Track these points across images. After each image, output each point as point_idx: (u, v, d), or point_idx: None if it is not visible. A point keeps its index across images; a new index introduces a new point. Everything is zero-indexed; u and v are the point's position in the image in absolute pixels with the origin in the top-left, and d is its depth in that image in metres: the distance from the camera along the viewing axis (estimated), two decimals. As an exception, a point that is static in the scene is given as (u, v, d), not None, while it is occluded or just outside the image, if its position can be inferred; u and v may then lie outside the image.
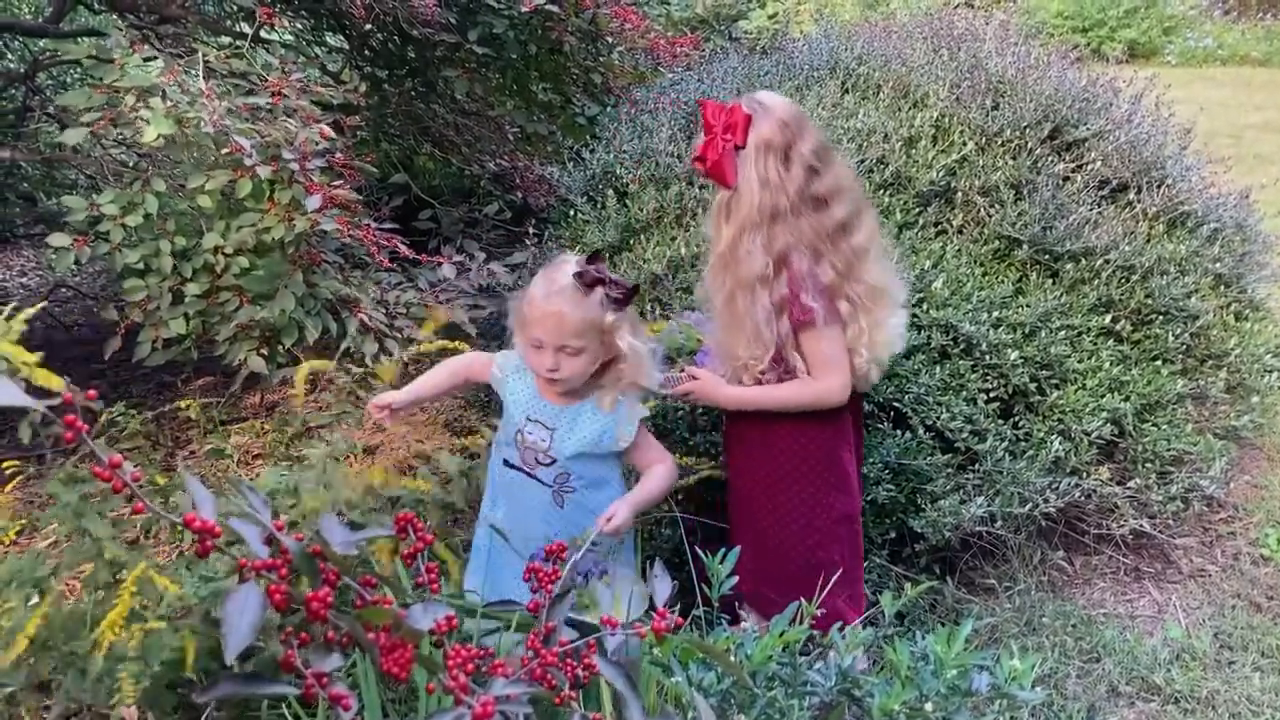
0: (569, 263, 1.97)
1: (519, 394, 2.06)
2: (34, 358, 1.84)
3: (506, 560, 2.08)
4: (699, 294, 2.31)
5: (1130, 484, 2.81)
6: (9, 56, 5.01)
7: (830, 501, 2.13)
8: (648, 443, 2.10)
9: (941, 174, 3.07)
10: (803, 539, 2.13)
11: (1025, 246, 2.96)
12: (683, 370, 2.14)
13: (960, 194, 3.05)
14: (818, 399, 2.05)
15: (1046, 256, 2.99)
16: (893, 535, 2.64)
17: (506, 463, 2.06)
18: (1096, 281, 2.94)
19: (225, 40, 3.73)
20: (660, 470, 2.07)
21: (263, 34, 3.41)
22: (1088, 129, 3.24)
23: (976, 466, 2.68)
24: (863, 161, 3.12)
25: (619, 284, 1.94)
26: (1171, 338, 2.94)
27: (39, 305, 2.27)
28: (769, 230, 1.98)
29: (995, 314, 2.77)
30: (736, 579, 1.60)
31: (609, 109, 4.19)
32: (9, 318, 1.90)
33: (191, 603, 1.87)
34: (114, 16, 3.81)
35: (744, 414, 2.15)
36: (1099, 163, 3.16)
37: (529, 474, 2.03)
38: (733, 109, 1.98)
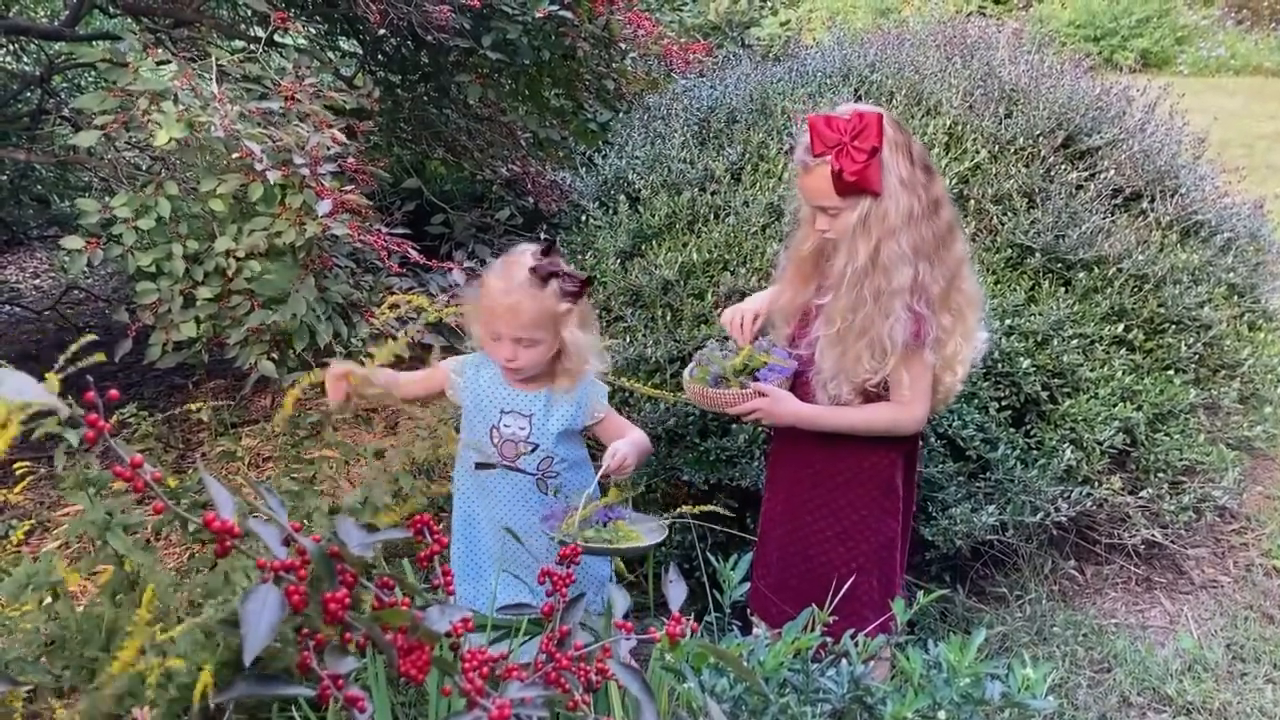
0: (526, 254, 1.97)
1: (488, 388, 2.06)
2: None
3: (481, 562, 2.09)
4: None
5: (1142, 494, 2.79)
6: (25, 59, 5.04)
7: (880, 527, 2.06)
8: (617, 417, 2.15)
9: (954, 182, 3.06)
10: (846, 562, 2.05)
11: (1038, 255, 2.95)
12: (745, 387, 2.01)
13: (973, 202, 3.04)
14: (894, 426, 1.98)
15: (1059, 265, 2.98)
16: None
17: (477, 465, 2.03)
18: (1109, 290, 2.93)
19: (239, 44, 3.75)
20: (638, 432, 2.11)
21: (276, 38, 3.43)
22: (1101, 137, 3.23)
23: (988, 475, 2.67)
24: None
25: (573, 276, 1.96)
26: (1184, 347, 2.92)
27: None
28: (908, 234, 1.87)
29: (1007, 322, 2.77)
30: (750, 588, 1.59)
31: (621, 115, 4.19)
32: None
33: (206, 595, 1.87)
34: (129, 20, 3.83)
35: (803, 431, 2.05)
36: (1112, 171, 3.14)
37: (509, 467, 2.03)
38: (858, 115, 1.85)
